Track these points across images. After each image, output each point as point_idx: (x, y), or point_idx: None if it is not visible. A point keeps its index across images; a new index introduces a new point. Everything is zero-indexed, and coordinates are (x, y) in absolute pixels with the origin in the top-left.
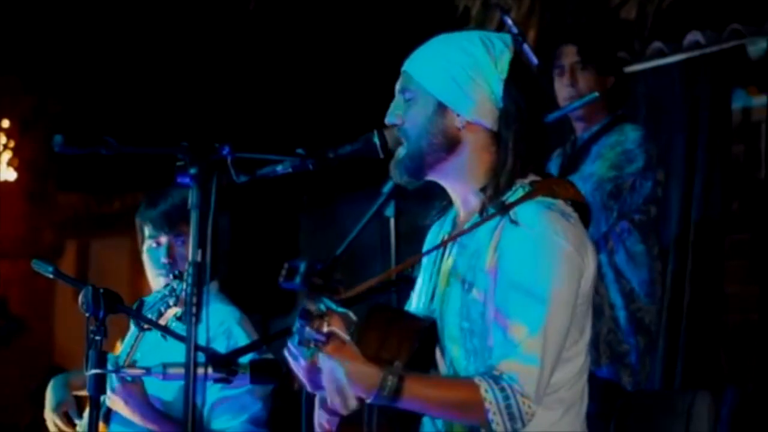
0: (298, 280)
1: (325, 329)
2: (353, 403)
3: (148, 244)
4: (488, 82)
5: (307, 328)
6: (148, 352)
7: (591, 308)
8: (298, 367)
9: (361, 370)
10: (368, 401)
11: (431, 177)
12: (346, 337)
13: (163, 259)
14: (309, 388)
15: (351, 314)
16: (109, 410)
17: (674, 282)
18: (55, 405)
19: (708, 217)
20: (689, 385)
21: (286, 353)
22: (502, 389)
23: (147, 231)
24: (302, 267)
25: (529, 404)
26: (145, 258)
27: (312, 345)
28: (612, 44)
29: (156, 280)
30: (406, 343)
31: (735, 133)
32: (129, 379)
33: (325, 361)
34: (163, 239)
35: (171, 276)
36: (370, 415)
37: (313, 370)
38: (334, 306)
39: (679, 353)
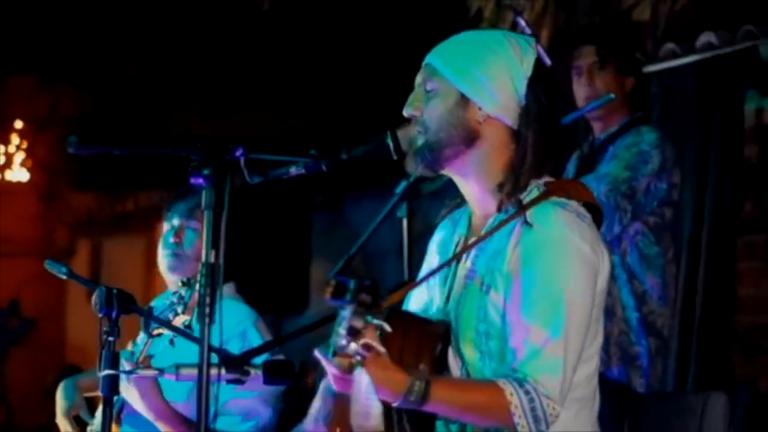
0: (348, 297)
1: (361, 341)
2: (376, 423)
3: (164, 229)
4: (513, 79)
5: (353, 344)
6: (155, 358)
7: (604, 309)
8: (332, 376)
9: (391, 377)
10: (395, 405)
11: (448, 171)
12: (382, 349)
13: (171, 239)
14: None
15: (386, 326)
16: (120, 411)
17: (687, 283)
18: (66, 410)
19: (720, 218)
20: (702, 387)
21: (319, 356)
22: (527, 392)
23: (165, 217)
24: (352, 284)
25: (554, 406)
26: (159, 242)
27: (353, 359)
28: (630, 44)
29: (164, 261)
30: (427, 348)
31: (748, 135)
32: None
33: (362, 376)
34: (176, 222)
35: (180, 282)
36: (400, 419)
37: (345, 380)
38: (370, 318)
39: (691, 355)
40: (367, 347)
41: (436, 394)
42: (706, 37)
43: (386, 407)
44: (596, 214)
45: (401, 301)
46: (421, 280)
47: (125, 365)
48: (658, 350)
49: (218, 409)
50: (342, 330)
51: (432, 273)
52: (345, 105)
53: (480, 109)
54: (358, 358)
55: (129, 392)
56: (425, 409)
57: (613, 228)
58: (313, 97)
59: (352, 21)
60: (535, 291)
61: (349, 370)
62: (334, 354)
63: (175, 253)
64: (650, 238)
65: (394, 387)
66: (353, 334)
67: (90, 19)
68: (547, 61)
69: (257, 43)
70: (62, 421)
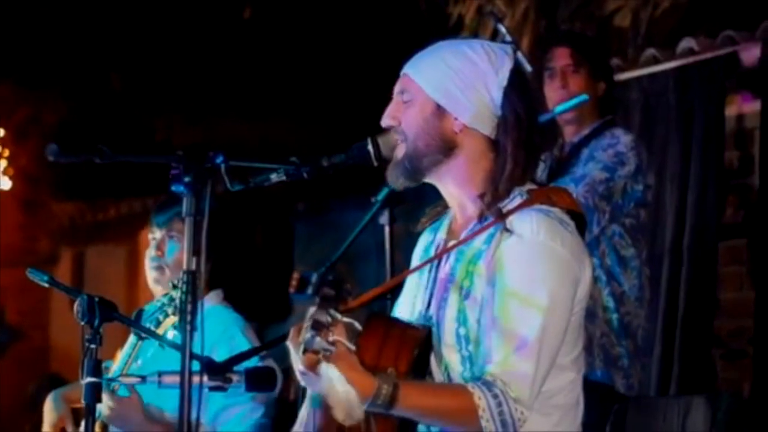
0: (309, 290)
1: (330, 338)
2: (358, 414)
3: (149, 241)
4: (488, 89)
5: (318, 339)
6: (147, 361)
7: (584, 316)
8: (298, 373)
9: (357, 378)
10: (363, 408)
11: (429, 180)
12: (351, 347)
13: (153, 252)
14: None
15: (356, 324)
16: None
17: (669, 288)
18: (53, 421)
19: (702, 223)
20: (685, 391)
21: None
22: (495, 396)
23: (149, 230)
24: (314, 278)
25: (522, 410)
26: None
27: (321, 355)
28: (604, 49)
29: (149, 273)
30: (405, 351)
31: (728, 140)
32: (124, 392)
33: (326, 371)
34: (158, 234)
35: (170, 285)
36: (368, 418)
37: (310, 376)
38: (339, 316)
39: (674, 359)
40: (335, 344)
41: (404, 398)
42: (687, 43)
43: None
44: (580, 220)
45: (374, 301)
46: (392, 282)
47: (105, 398)
48: (635, 351)
49: (213, 419)
50: (307, 324)
51: (408, 273)
52: (326, 112)
53: (456, 119)
54: (327, 353)
55: (112, 420)
56: (393, 413)
57: (591, 229)
58: (295, 104)
59: (332, 29)
60: (512, 296)
61: (316, 366)
62: (305, 351)
63: (158, 266)
64: (627, 239)
65: (360, 389)
66: (317, 327)
67: (72, 27)
68: (528, 68)
69: (239, 51)
70: None
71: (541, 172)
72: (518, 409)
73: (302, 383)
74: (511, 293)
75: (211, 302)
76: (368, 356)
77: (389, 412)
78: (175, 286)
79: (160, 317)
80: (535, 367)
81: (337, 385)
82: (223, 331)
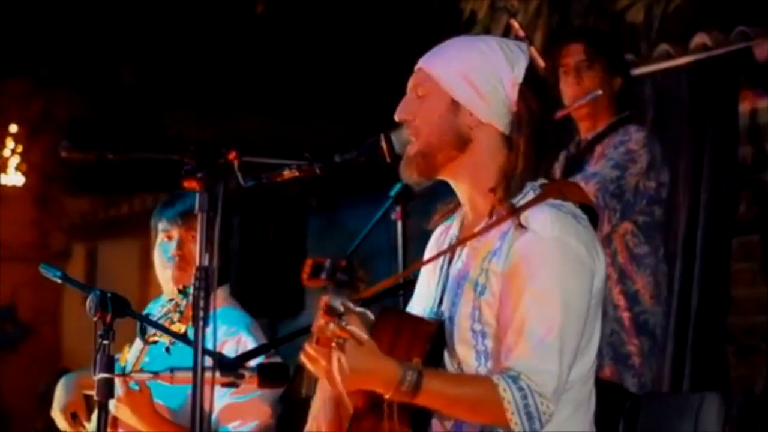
0: (323, 276)
1: (346, 327)
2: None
3: (159, 239)
4: (504, 85)
5: (331, 325)
6: (150, 365)
7: (601, 309)
8: (319, 369)
9: (382, 366)
10: (387, 396)
11: (442, 176)
12: (365, 336)
13: (173, 251)
14: (332, 389)
15: (369, 313)
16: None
17: (682, 284)
18: (63, 405)
19: (715, 219)
20: (697, 388)
21: (303, 357)
22: (521, 389)
23: (160, 226)
24: (328, 263)
25: (547, 404)
26: (156, 253)
27: (333, 344)
28: (619, 44)
29: (163, 273)
30: (417, 345)
31: (742, 135)
32: (134, 386)
33: (343, 360)
34: (175, 233)
35: (176, 290)
36: (390, 407)
37: (335, 371)
38: (351, 305)
39: (687, 355)
40: (349, 334)
41: (429, 386)
42: (700, 38)
43: (376, 400)
44: (592, 214)
45: (385, 296)
46: (403, 274)
47: (117, 381)
48: (651, 350)
49: (217, 418)
50: (320, 311)
51: (419, 265)
52: (339, 108)
53: (471, 114)
54: (341, 341)
55: (120, 409)
56: (416, 402)
57: (602, 228)
58: (307, 100)
59: (345, 24)
60: (531, 292)
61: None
62: (317, 342)
63: (179, 266)
64: (640, 237)
65: (386, 375)
66: (332, 313)
67: (85, 23)
68: (541, 63)
69: (251, 47)
70: (57, 416)
71: (559, 168)
72: (544, 402)
73: (329, 386)
74: (529, 290)
75: (217, 303)
76: (381, 349)
77: (413, 400)
78: (181, 291)
79: (166, 324)
80: (559, 363)
81: (352, 371)
82: (228, 330)
